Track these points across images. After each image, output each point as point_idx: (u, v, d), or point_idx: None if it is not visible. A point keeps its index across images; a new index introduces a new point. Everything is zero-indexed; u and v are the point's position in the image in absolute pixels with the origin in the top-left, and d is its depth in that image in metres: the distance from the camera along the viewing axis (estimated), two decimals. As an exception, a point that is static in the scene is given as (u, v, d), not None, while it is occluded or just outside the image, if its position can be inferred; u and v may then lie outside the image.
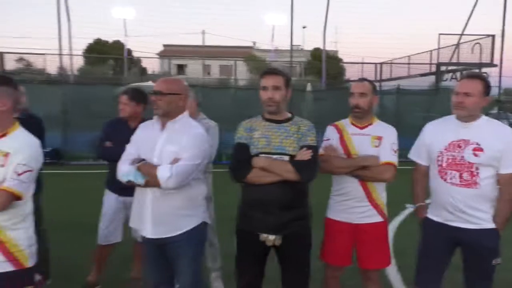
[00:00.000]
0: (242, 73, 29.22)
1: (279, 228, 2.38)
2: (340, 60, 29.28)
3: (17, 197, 2.05)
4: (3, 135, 2.12)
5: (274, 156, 2.38)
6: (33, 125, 3.22)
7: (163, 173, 2.27)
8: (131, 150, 2.50)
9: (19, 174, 2.03)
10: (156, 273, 2.56)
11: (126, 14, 21.39)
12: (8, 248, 2.08)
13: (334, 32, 38.71)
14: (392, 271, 3.91)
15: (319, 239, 2.82)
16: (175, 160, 2.31)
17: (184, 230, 2.41)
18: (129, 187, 3.48)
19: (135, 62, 25.79)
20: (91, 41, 29.18)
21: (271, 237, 2.39)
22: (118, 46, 27.88)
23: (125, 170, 2.40)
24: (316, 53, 31.50)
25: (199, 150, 2.36)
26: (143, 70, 26.40)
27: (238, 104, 11.06)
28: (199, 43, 30.65)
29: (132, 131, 3.39)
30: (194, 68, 27.83)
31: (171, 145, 2.36)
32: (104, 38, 29.62)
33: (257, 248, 2.44)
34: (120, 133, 3.34)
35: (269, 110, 2.44)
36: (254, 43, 38.89)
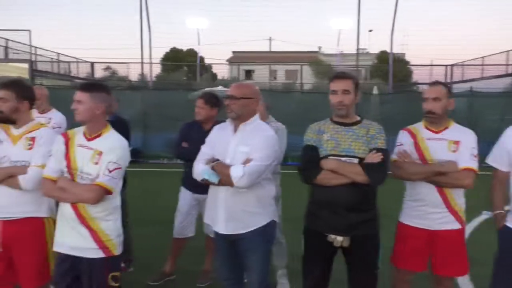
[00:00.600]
0: (307, 77, 29.10)
1: (347, 229, 2.41)
2: (407, 62, 28.00)
3: (108, 192, 2.27)
4: (98, 136, 2.36)
5: (343, 159, 2.41)
6: (121, 126, 3.58)
7: (236, 173, 2.39)
8: (206, 151, 2.66)
9: (110, 171, 2.26)
10: (227, 267, 2.70)
11: (200, 24, 22.49)
12: (100, 237, 2.31)
13: (401, 35, 37.10)
14: (464, 280, 3.75)
15: (387, 242, 2.79)
16: (247, 161, 2.43)
17: (255, 228, 2.51)
18: (203, 185, 3.71)
19: (206, 69, 26.86)
20: (167, 50, 30.86)
21: (339, 238, 2.42)
22: (191, 53, 29.28)
23: (200, 169, 2.56)
24: (382, 56, 30.49)
25: (269, 151, 2.46)
26: (214, 75, 27.40)
27: (303, 108, 11.09)
28: (266, 49, 31.09)
29: (206, 132, 3.58)
30: (261, 73, 28.33)
31: (243, 146, 2.48)
32: (179, 47, 31.24)
33: (325, 248, 2.48)
34: (195, 134, 3.56)
35: (339, 113, 2.48)
36: (320, 47, 38.53)
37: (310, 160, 2.49)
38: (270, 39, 31.37)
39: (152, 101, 11.71)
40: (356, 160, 2.40)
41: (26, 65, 13.36)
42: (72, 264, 2.32)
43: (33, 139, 2.52)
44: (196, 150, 3.52)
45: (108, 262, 2.34)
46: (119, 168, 2.31)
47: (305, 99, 12.36)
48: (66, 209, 2.32)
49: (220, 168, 2.47)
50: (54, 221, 2.53)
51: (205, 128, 3.58)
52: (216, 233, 2.63)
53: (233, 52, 38.97)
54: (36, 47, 16.64)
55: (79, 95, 2.30)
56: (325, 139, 2.49)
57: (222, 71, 31.32)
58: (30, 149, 2.49)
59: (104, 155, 2.29)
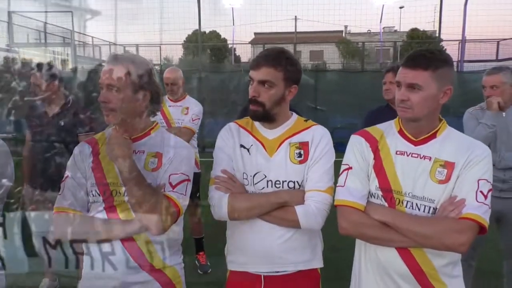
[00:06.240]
0: (334, 58, 28.55)
1: None
2: (440, 40, 27.14)
3: (483, 231, 1.45)
4: (432, 137, 1.50)
5: None
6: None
7: None
8: None
9: (485, 195, 1.39)
10: None
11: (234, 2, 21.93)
12: None
13: (432, 11, 35.71)
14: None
15: None
16: None
17: None
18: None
19: (229, 51, 26.29)
20: (190, 32, 30.07)
21: None
22: (213, 36, 28.63)
23: None
24: (413, 34, 29.84)
25: None
26: (237, 58, 26.80)
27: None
28: (292, 30, 30.50)
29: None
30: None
31: None
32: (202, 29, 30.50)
33: None
34: (384, 121, 2.97)
35: None
36: (346, 27, 37.47)
37: None
38: (295, 19, 30.52)
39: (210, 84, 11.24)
40: None
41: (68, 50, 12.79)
42: None
43: (304, 146, 1.59)
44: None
45: None
46: (491, 189, 1.43)
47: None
48: (388, 258, 1.48)
49: None
50: None
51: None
52: None
53: (255, 33, 38.02)
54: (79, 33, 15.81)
55: (416, 76, 1.39)
56: None
57: (246, 53, 30.66)
58: (301, 162, 1.58)
59: (458, 169, 1.40)
